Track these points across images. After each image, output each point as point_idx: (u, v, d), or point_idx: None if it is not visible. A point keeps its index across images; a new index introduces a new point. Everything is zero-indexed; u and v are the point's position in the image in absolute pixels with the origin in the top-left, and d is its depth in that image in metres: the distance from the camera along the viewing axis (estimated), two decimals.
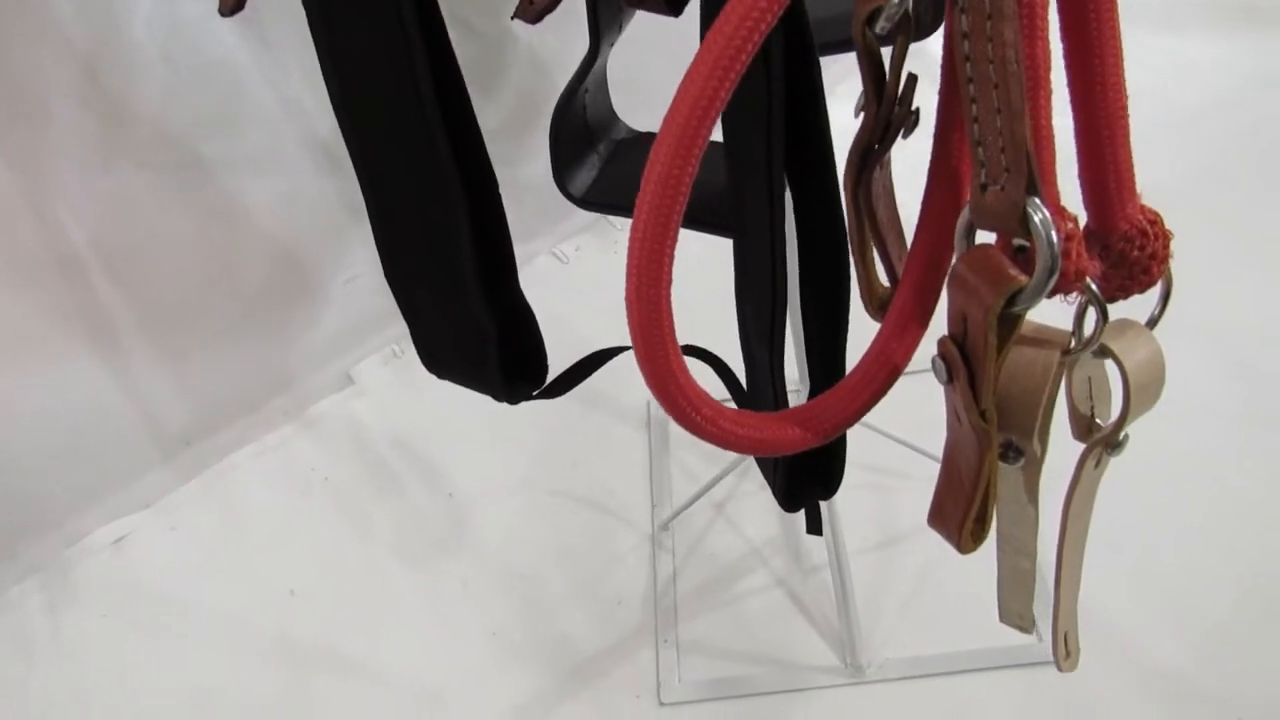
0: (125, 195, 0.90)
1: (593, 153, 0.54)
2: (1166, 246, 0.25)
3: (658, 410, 1.00)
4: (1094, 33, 0.22)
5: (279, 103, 0.93)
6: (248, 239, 1.00)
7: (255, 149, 0.94)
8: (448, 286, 0.54)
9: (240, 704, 0.84)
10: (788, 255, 0.38)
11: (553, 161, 0.53)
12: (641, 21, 0.47)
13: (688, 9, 0.36)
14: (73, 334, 0.94)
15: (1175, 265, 0.26)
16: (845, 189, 0.25)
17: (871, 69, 0.23)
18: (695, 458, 0.94)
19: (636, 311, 0.24)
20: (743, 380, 0.54)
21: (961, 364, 0.24)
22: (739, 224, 0.48)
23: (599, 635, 0.83)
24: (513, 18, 0.41)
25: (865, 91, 0.24)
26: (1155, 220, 0.24)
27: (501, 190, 0.48)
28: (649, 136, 0.56)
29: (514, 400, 0.61)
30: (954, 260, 0.23)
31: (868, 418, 0.27)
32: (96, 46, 0.83)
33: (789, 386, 0.46)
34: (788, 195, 0.36)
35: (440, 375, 0.61)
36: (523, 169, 0.91)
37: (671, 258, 0.25)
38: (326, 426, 1.06)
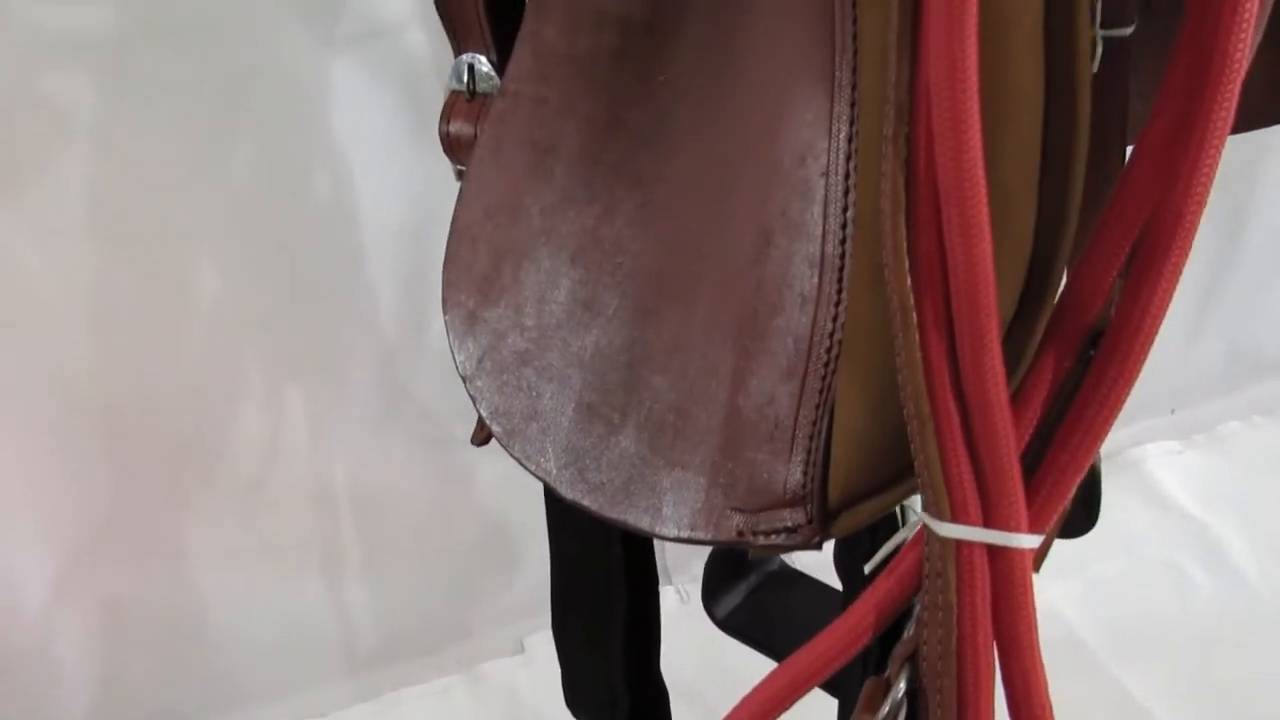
0: (386, 454, 1.08)
1: (743, 581, 0.63)
2: None
3: None
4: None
5: None
6: (470, 505, 1.15)
7: None
8: (596, 657, 0.64)
9: None
10: None
11: (703, 580, 0.62)
12: None
13: None
14: (308, 552, 1.11)
15: None
16: None
17: None
18: None
19: None
20: None
21: None
22: (839, 686, 0.55)
23: None
24: None
25: None
26: None
27: None
28: (799, 576, 0.64)
29: None
30: None
31: None
32: (399, 340, 1.03)
33: None
34: None
35: (575, 716, 0.69)
36: None
37: None
38: (488, 686, 1.16)
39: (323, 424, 1.04)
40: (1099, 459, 0.58)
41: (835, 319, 0.32)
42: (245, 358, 0.99)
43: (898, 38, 0.26)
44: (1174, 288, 0.27)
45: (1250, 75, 0.52)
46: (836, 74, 0.32)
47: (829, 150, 0.32)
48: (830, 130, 0.32)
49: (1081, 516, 0.62)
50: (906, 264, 0.26)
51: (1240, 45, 0.24)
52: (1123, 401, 0.27)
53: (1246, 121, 0.57)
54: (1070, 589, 1.14)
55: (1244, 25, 0.23)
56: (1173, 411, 1.40)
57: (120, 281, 0.91)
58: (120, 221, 0.89)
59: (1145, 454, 1.33)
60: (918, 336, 0.26)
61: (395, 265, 0.99)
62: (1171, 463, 1.33)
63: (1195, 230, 0.27)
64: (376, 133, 0.93)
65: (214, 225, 0.92)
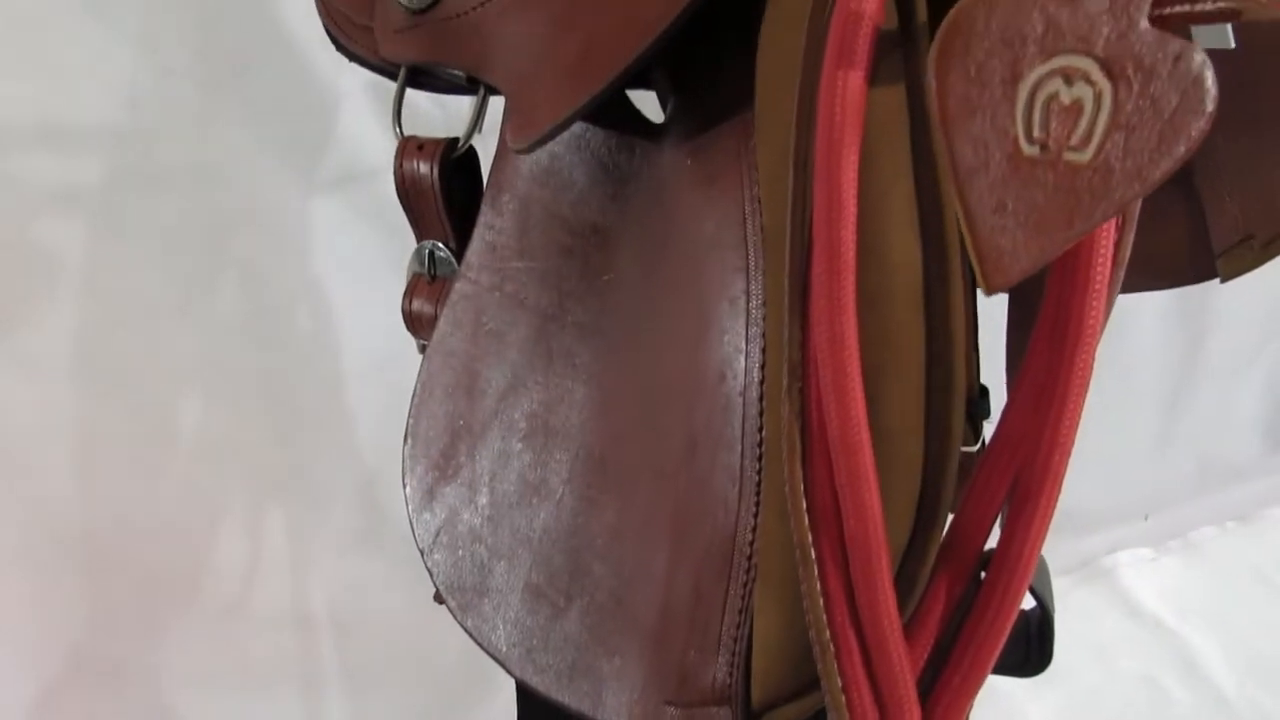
0: (366, 580, 1.09)
1: None
2: None
3: None
4: None
5: None
6: (450, 626, 1.15)
7: None
8: None
9: None
10: None
11: None
12: None
13: None
14: (287, 679, 1.11)
15: None
16: None
17: None
18: None
19: None
20: None
21: None
22: None
23: None
24: None
25: None
26: None
27: None
28: None
29: None
30: None
31: None
32: (378, 465, 1.05)
33: None
34: None
35: None
36: None
37: None
38: None
39: (303, 548, 1.06)
40: (1050, 596, 0.60)
41: (754, 530, 0.34)
42: (226, 485, 1.00)
43: (788, 300, 0.29)
44: (1049, 518, 0.29)
45: (1173, 237, 0.56)
46: (749, 305, 0.35)
47: (744, 372, 0.35)
48: (745, 353, 0.35)
49: (1037, 656, 0.64)
50: (804, 505, 0.29)
51: (1091, 328, 0.26)
52: (1009, 624, 0.29)
53: (1170, 279, 0.60)
54: (1046, 704, 1.14)
55: (1094, 317, 0.26)
56: (1146, 518, 1.41)
57: (104, 414, 0.93)
58: (105, 357, 0.92)
59: (1118, 562, 1.34)
60: (816, 570, 0.29)
61: (374, 394, 1.01)
62: (1145, 570, 1.34)
63: (1065, 469, 0.29)
64: (355, 270, 0.97)
65: (198, 359, 0.95)
